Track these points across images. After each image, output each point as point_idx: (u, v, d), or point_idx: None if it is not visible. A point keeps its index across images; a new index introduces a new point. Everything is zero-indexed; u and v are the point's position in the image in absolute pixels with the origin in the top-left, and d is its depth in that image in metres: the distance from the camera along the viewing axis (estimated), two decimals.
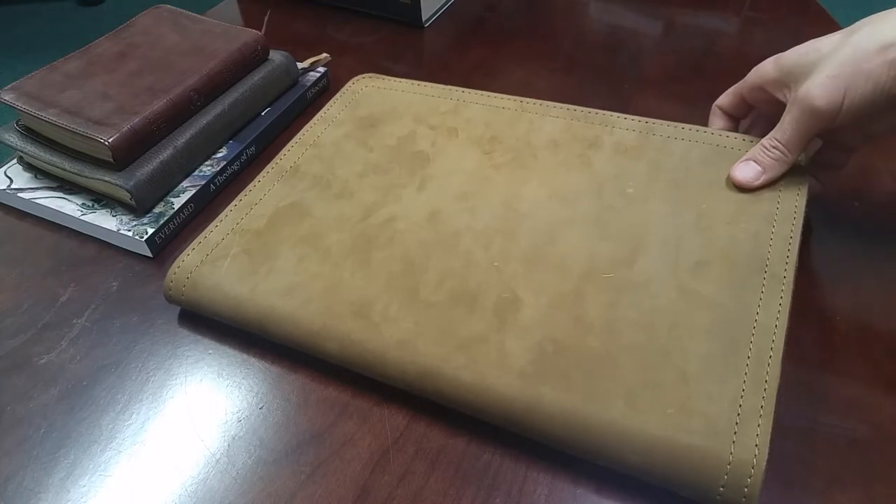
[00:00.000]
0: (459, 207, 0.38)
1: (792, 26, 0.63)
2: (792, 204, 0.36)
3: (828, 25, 0.62)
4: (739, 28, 0.63)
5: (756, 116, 0.42)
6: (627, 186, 0.38)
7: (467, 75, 0.57)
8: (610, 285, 0.33)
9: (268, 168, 0.42)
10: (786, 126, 0.36)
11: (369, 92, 0.48)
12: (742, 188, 0.37)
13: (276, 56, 0.52)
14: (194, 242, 0.38)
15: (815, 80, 0.34)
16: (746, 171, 0.37)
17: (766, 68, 0.37)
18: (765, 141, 0.37)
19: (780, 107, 0.38)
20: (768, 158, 0.36)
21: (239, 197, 0.40)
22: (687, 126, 0.41)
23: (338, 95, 0.48)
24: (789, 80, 0.36)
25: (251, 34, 0.50)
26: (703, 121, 0.43)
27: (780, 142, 0.36)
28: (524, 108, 0.45)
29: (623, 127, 0.42)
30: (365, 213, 0.38)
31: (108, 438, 0.32)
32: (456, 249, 0.36)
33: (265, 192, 0.40)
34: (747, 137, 0.39)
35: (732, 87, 0.41)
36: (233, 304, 0.35)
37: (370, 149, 0.43)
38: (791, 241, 0.34)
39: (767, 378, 0.29)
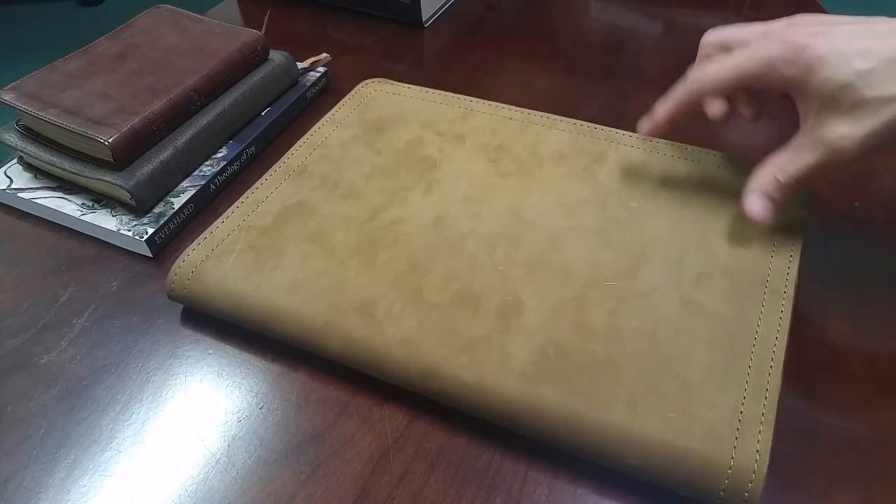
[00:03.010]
0: (465, 212, 0.38)
1: None
2: (792, 223, 0.36)
3: None
4: None
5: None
6: (631, 200, 0.39)
7: (467, 75, 0.57)
8: (613, 293, 0.34)
9: (275, 166, 0.42)
10: (803, 164, 0.33)
11: (378, 96, 0.48)
12: (757, 223, 0.35)
13: (276, 56, 0.52)
14: (200, 238, 0.38)
15: (854, 132, 0.31)
16: (762, 209, 0.34)
17: (795, 71, 0.32)
18: (780, 175, 0.34)
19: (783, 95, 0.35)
20: (784, 196, 0.34)
21: (246, 194, 0.40)
22: (690, 147, 0.42)
23: (346, 98, 0.48)
24: (821, 100, 0.32)
25: (251, 34, 0.50)
26: (703, 120, 0.42)
27: (796, 180, 0.33)
28: (531, 119, 0.45)
29: (628, 144, 0.43)
30: (371, 215, 0.39)
31: (108, 438, 0.32)
32: (460, 253, 0.36)
33: (272, 189, 0.41)
34: (748, 161, 0.39)
35: (731, 75, 0.35)
36: (236, 300, 0.35)
37: (377, 152, 0.43)
38: (791, 258, 0.35)
39: (768, 387, 0.29)
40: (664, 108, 0.38)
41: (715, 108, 0.38)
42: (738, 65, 0.34)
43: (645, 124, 0.39)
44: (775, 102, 0.38)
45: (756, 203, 0.35)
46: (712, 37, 0.38)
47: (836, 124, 0.31)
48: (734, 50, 0.36)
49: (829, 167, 0.33)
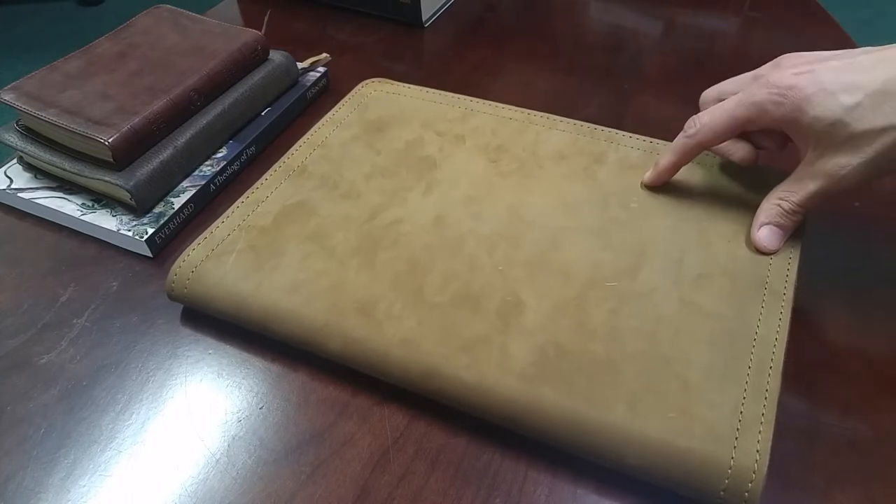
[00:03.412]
0: (465, 212, 0.38)
1: (792, 26, 0.63)
2: None
3: (828, 25, 0.62)
4: (739, 28, 0.63)
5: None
6: (631, 201, 0.39)
7: (467, 75, 0.57)
8: (613, 293, 0.34)
9: (275, 166, 0.42)
10: (806, 192, 0.34)
11: (378, 96, 0.48)
12: (769, 252, 0.35)
13: (276, 56, 0.52)
14: (200, 238, 0.38)
15: (852, 162, 0.32)
16: (772, 239, 0.35)
17: (785, 111, 0.33)
18: (784, 204, 0.35)
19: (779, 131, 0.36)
20: (791, 222, 0.35)
21: (246, 194, 0.40)
22: None
23: (346, 98, 0.48)
24: (815, 137, 0.33)
25: (251, 34, 0.50)
26: None
27: (801, 206, 0.35)
28: (531, 119, 0.45)
29: (628, 145, 0.43)
30: (371, 215, 0.39)
31: (108, 438, 0.32)
32: (461, 253, 0.36)
33: (272, 189, 0.41)
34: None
35: (725, 122, 0.36)
36: (236, 300, 0.35)
37: (377, 152, 0.43)
38: (791, 260, 0.35)
39: (768, 388, 0.29)
40: (667, 159, 0.39)
41: (740, 153, 0.38)
42: (730, 111, 0.35)
43: (649, 175, 0.40)
44: None
45: (764, 232, 0.36)
46: (710, 94, 0.39)
47: (833, 156, 0.33)
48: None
49: (831, 194, 0.34)
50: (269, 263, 0.36)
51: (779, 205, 0.35)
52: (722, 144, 0.39)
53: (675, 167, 0.39)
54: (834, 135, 0.32)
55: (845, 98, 0.31)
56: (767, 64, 0.36)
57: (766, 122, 0.34)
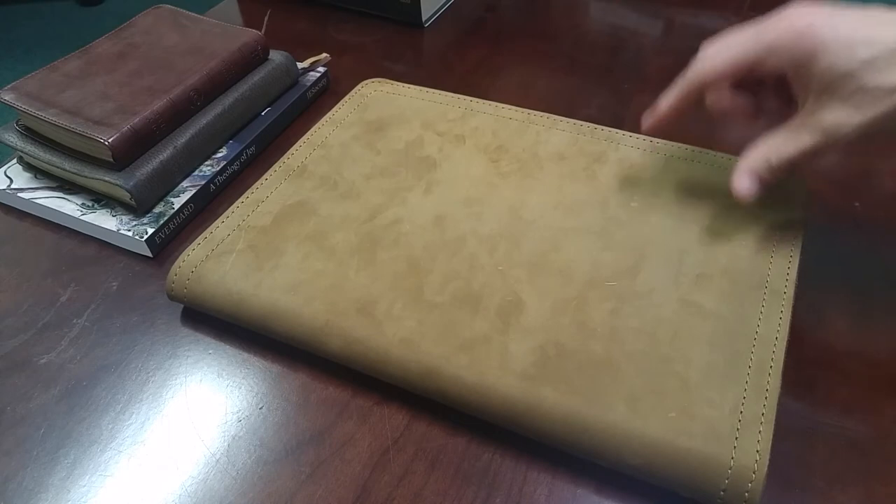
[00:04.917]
0: (465, 212, 0.38)
1: None
2: (792, 223, 0.36)
3: None
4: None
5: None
6: (631, 200, 0.39)
7: (467, 75, 0.57)
8: (613, 293, 0.34)
9: (275, 166, 0.42)
10: (799, 147, 0.32)
11: (378, 96, 0.48)
12: (742, 200, 0.35)
13: (276, 56, 0.52)
14: (200, 237, 0.38)
15: (852, 119, 0.30)
16: (751, 189, 0.34)
17: (795, 55, 0.31)
18: (773, 158, 0.33)
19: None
20: (774, 178, 0.34)
21: (245, 194, 0.40)
22: (690, 147, 0.42)
23: (346, 98, 0.48)
24: (822, 85, 0.31)
25: (251, 34, 0.50)
26: (703, 120, 0.42)
27: (790, 162, 0.33)
28: (531, 119, 0.45)
29: (628, 144, 0.43)
30: (371, 215, 0.39)
31: (108, 438, 0.32)
32: (461, 253, 0.36)
33: (272, 189, 0.41)
34: None
35: (730, 58, 0.34)
36: (236, 300, 0.35)
37: (377, 152, 0.43)
38: (791, 259, 0.35)
39: (768, 387, 0.29)
40: (666, 101, 0.37)
41: (741, 105, 0.36)
42: (739, 47, 0.34)
43: (647, 119, 0.38)
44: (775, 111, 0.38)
45: (745, 182, 0.34)
46: (708, 44, 0.37)
47: (834, 110, 0.31)
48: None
49: (823, 151, 0.32)
50: (268, 263, 0.36)
51: (768, 158, 0.34)
52: (723, 97, 0.36)
53: (676, 110, 0.37)
54: (842, 86, 0.30)
55: (862, 51, 0.30)
56: (778, 12, 0.34)
57: (772, 64, 0.33)
